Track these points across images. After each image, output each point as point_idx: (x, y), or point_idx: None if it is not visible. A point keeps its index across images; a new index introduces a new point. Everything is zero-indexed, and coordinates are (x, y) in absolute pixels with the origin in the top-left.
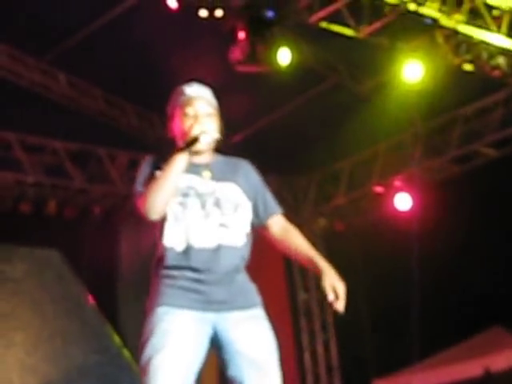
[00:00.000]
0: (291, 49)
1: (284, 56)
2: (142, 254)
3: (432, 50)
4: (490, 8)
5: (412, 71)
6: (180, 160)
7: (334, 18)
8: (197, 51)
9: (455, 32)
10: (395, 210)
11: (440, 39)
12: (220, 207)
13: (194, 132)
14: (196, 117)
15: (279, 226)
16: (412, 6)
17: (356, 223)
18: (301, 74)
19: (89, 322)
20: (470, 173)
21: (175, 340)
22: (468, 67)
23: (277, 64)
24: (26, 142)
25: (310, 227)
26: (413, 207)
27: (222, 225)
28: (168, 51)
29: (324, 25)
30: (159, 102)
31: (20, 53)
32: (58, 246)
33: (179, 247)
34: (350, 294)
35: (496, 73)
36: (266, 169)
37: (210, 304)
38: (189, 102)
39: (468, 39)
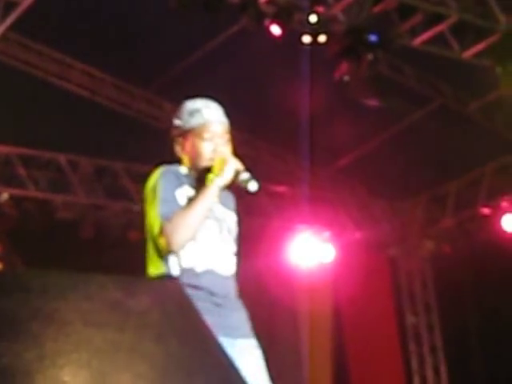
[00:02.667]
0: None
1: None
2: (253, 281)
3: None
4: None
5: None
6: (215, 194)
7: (438, 40)
8: (302, 76)
9: None
10: (503, 231)
11: None
12: (231, 235)
13: (230, 167)
14: (214, 144)
15: None
16: None
17: (463, 245)
18: (405, 96)
19: (211, 352)
20: None
21: None
22: None
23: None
24: (134, 170)
25: (417, 251)
26: None
27: (234, 253)
28: (273, 77)
29: (427, 47)
30: (266, 129)
31: (126, 83)
32: None
33: (199, 269)
34: (459, 317)
35: None
36: (372, 193)
37: (223, 328)
38: (206, 125)
39: None
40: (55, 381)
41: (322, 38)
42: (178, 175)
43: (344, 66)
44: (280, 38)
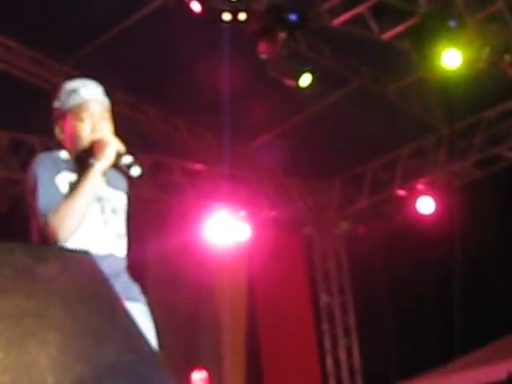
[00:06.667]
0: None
1: (305, 78)
2: (170, 259)
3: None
4: None
5: (451, 58)
6: (97, 179)
7: (357, 22)
8: (221, 54)
9: (479, 34)
10: (418, 213)
11: (463, 42)
12: (117, 215)
13: (110, 150)
14: (92, 123)
15: None
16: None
17: (378, 227)
18: (323, 77)
19: (120, 321)
20: (493, 176)
21: None
22: (492, 70)
23: (298, 81)
24: (51, 145)
25: (332, 231)
26: (435, 211)
27: (117, 235)
28: (192, 54)
29: (347, 28)
30: (184, 106)
31: (44, 57)
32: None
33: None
34: (372, 298)
35: None
36: (288, 172)
37: None
38: (84, 105)
39: (491, 41)
40: None
41: (242, 16)
42: (56, 161)
43: (263, 45)
44: (200, 14)
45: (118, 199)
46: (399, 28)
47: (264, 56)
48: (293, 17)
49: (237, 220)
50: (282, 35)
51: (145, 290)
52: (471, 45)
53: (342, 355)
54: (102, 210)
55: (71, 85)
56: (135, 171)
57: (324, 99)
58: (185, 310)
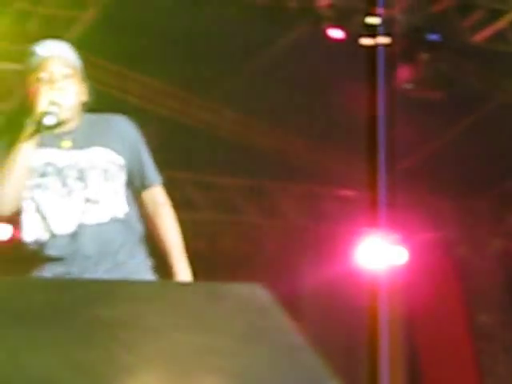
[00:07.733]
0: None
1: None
2: (325, 287)
3: None
4: None
5: None
6: (25, 152)
7: (498, 37)
8: (364, 79)
9: None
10: None
11: None
12: (84, 180)
13: (38, 111)
14: (51, 81)
15: (151, 200)
16: None
17: None
18: (467, 94)
19: (303, 362)
20: None
21: None
22: None
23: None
24: (198, 180)
25: (484, 249)
26: None
27: (88, 200)
28: (336, 81)
29: (488, 44)
30: (330, 134)
31: (185, 93)
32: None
33: (43, 237)
34: None
35: None
36: (439, 192)
37: None
38: (41, 64)
39: None
40: None
41: (382, 40)
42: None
43: (405, 70)
44: (342, 41)
45: (89, 159)
46: None
47: (408, 86)
48: (433, 36)
49: (391, 244)
50: (425, 56)
51: (301, 317)
52: None
53: (502, 373)
54: (64, 182)
55: (31, 49)
56: (48, 120)
57: (470, 116)
58: (341, 338)
